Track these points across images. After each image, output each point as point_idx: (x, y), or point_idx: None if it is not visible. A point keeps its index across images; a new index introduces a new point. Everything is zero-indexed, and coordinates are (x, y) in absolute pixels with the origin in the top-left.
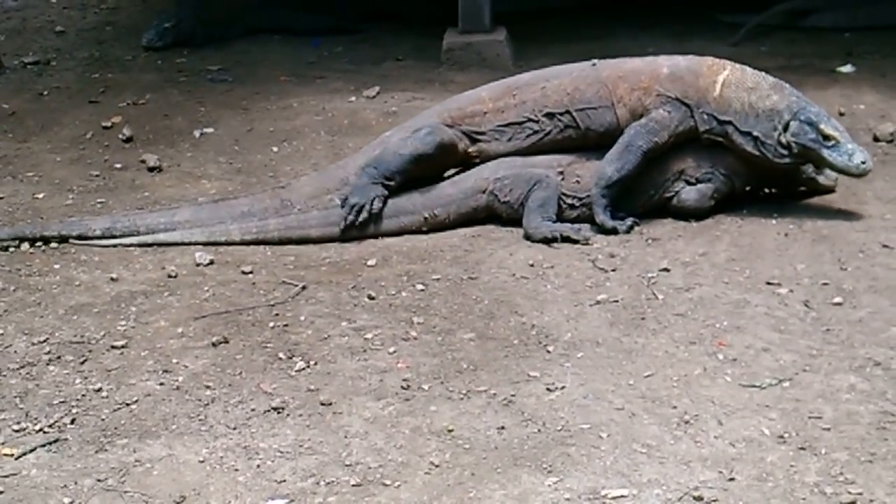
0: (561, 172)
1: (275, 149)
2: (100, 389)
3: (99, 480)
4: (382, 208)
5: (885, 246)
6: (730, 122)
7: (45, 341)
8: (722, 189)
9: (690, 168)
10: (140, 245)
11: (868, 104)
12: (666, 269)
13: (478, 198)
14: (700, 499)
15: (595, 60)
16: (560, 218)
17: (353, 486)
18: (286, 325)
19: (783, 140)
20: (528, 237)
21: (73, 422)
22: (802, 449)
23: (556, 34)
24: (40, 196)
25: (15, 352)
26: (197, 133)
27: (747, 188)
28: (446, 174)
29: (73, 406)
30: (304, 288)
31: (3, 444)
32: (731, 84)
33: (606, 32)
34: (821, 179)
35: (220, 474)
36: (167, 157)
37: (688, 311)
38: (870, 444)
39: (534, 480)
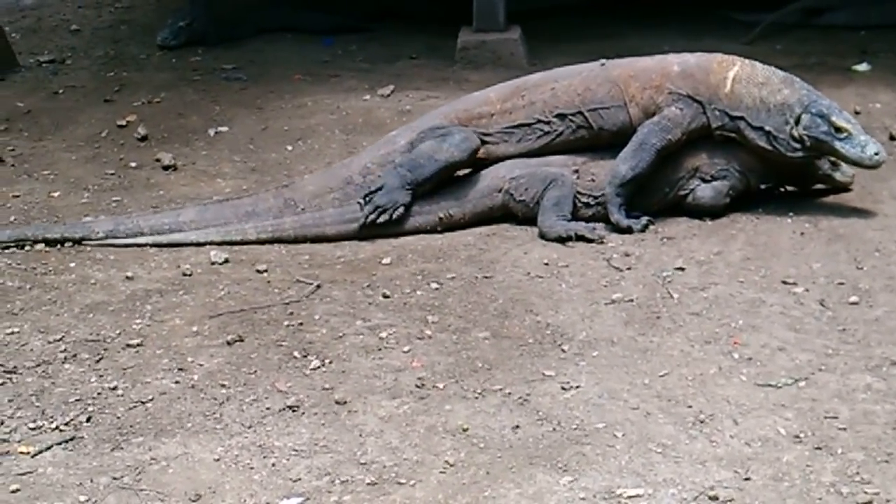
0: (576, 171)
1: (289, 147)
2: (115, 388)
3: (114, 478)
4: (404, 215)
5: None
6: (742, 118)
7: (60, 339)
8: (737, 186)
9: (705, 165)
10: (154, 245)
11: (884, 103)
12: (681, 268)
13: (493, 197)
14: (715, 498)
15: (604, 60)
16: (575, 217)
17: (368, 484)
18: (301, 324)
19: (795, 134)
20: (542, 236)
21: (88, 420)
22: (818, 449)
23: (569, 33)
24: (56, 195)
25: (31, 350)
26: (212, 132)
27: (763, 186)
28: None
29: (88, 404)
30: (318, 286)
31: (19, 442)
32: (742, 80)
33: (619, 31)
34: (837, 176)
35: (236, 473)
36: (182, 156)
37: (703, 310)
38: (886, 444)
39: (549, 479)
